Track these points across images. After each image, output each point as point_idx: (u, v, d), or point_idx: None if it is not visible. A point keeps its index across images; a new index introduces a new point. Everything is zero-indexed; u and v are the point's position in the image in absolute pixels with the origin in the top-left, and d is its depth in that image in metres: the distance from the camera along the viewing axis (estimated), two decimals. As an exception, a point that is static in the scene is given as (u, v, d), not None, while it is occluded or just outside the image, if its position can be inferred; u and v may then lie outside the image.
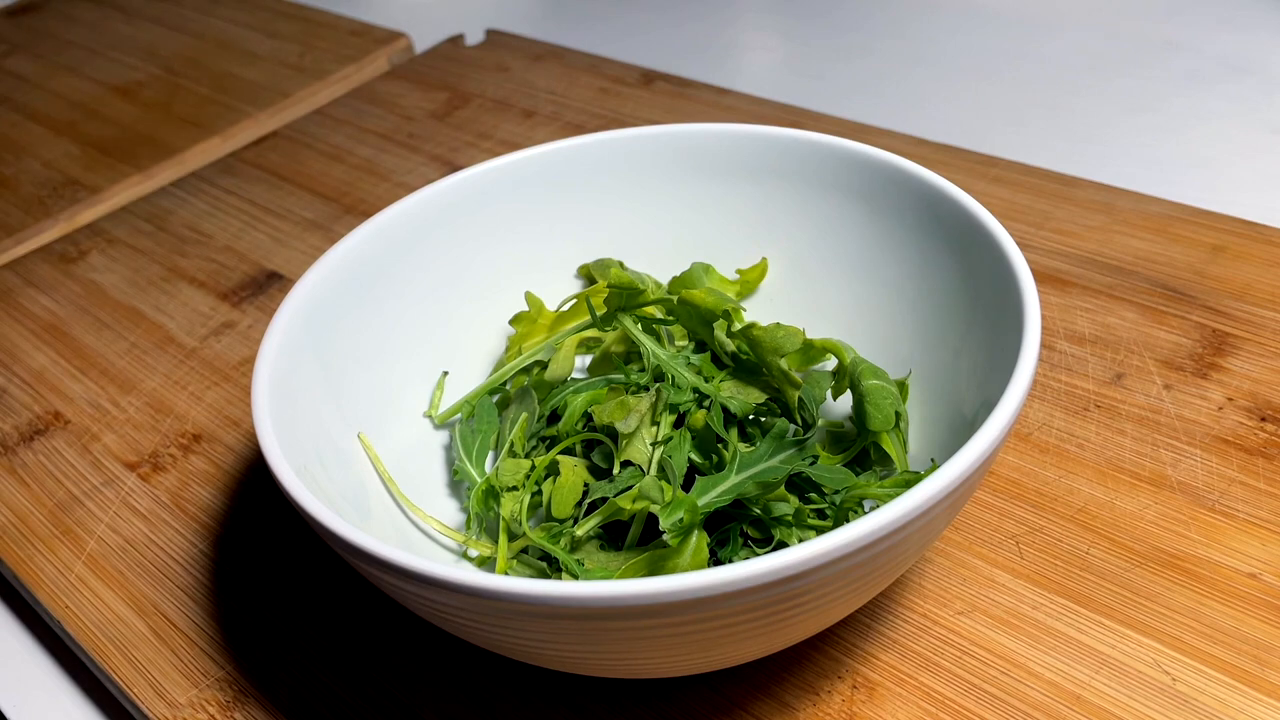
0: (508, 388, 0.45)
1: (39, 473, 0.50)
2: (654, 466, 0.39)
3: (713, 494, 0.36)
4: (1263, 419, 0.43)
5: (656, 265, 0.47)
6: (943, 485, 0.29)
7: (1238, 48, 0.75)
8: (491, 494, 0.40)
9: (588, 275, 0.48)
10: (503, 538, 0.39)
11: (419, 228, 0.44)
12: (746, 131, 0.45)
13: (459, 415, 0.44)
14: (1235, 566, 0.38)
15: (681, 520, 0.34)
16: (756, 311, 0.46)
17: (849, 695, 0.36)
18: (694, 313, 0.43)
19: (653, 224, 0.47)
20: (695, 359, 0.42)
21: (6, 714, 0.43)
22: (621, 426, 0.39)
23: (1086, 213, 0.55)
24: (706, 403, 0.40)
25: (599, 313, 0.43)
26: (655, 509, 0.35)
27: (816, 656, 0.37)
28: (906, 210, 0.42)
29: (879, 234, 0.43)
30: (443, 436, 0.44)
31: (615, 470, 0.39)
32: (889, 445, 0.39)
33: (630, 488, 0.38)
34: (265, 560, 0.44)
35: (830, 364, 0.44)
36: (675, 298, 0.44)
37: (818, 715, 0.36)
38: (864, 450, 0.41)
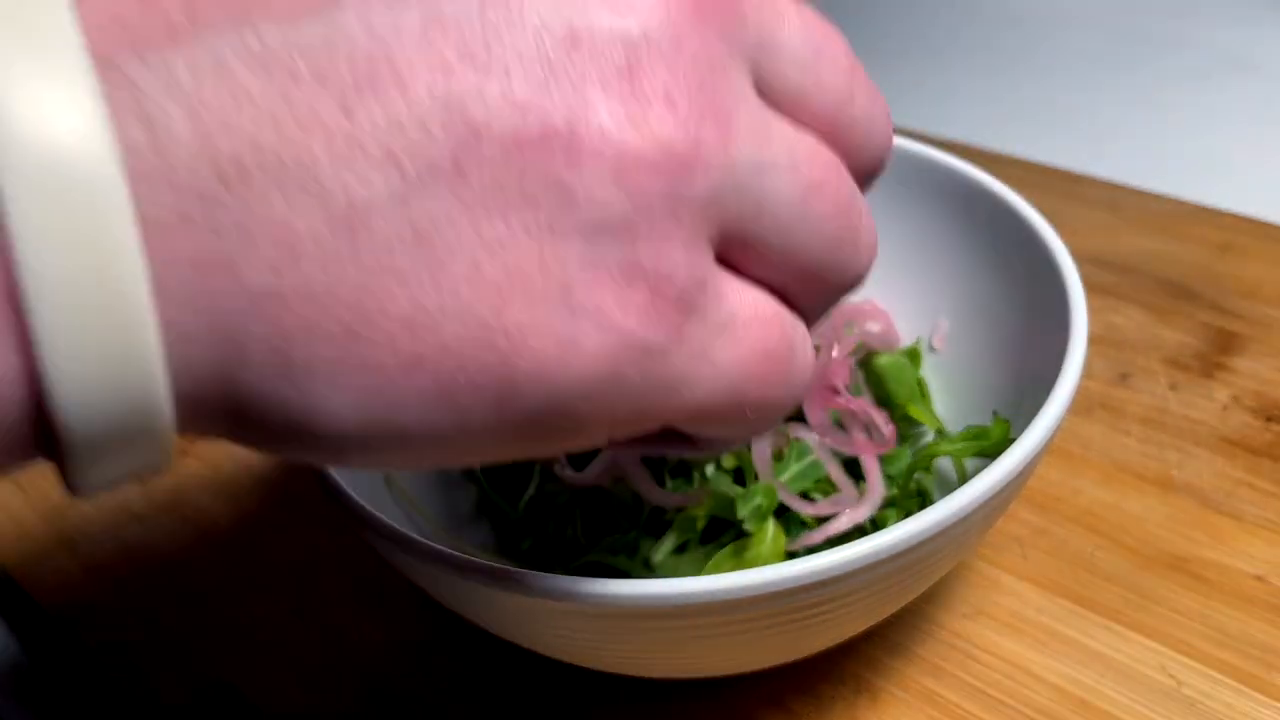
0: None
1: (37, 476, 0.50)
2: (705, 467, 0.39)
3: (785, 477, 0.36)
4: (1269, 419, 0.43)
5: None
6: (1040, 436, 0.30)
7: (1246, 45, 0.75)
8: (535, 519, 0.39)
9: None
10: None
11: None
12: None
13: None
14: (1242, 569, 0.38)
15: (759, 506, 0.34)
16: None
17: (852, 700, 0.36)
18: None
19: None
20: None
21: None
22: None
23: (1092, 211, 0.55)
24: None
25: None
26: (732, 503, 0.35)
27: (818, 660, 0.37)
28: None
29: None
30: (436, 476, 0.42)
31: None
32: (919, 413, 0.39)
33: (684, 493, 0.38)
34: (263, 562, 0.44)
35: None
36: None
37: (820, 720, 0.35)
38: None
